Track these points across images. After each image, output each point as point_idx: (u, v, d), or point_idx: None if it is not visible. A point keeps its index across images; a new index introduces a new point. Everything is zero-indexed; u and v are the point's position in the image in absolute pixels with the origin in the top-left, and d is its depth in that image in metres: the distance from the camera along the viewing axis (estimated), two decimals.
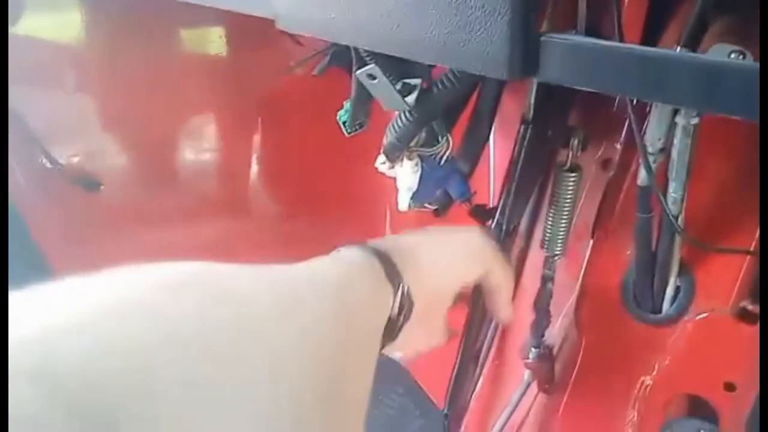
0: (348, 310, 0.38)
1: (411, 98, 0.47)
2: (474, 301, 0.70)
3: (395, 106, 0.48)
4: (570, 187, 0.64)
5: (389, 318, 0.42)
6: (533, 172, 0.64)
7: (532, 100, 0.58)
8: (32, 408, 0.22)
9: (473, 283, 0.50)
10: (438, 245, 0.48)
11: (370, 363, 0.40)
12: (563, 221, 0.66)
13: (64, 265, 0.90)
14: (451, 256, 0.48)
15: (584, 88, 0.27)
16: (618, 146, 0.66)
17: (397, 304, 0.42)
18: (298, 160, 1.05)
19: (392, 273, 0.42)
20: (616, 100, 0.64)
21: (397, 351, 0.46)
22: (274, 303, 0.33)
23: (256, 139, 1.03)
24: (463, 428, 0.88)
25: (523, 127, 0.59)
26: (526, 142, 0.59)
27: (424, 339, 0.48)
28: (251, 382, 0.29)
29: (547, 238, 0.68)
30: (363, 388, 0.38)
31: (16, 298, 0.26)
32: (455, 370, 0.69)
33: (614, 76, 0.25)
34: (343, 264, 0.41)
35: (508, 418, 0.81)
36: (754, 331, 0.57)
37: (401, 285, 0.42)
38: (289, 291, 0.35)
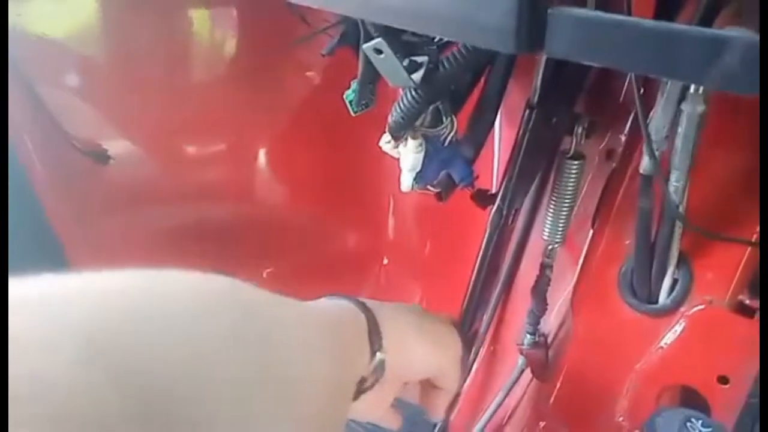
0: (343, 352, 0.41)
1: (417, 75, 0.47)
2: (472, 287, 0.70)
3: (401, 82, 0.48)
4: (573, 175, 0.64)
5: (362, 377, 0.44)
6: (536, 158, 0.64)
7: (538, 85, 0.58)
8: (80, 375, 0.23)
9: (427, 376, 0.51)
10: (421, 333, 0.49)
11: (346, 409, 0.42)
12: (564, 209, 0.67)
13: (72, 238, 0.91)
14: (429, 348, 0.49)
15: (591, 63, 0.27)
16: (622, 137, 0.65)
17: (372, 366, 0.44)
18: (301, 142, 1.05)
19: (375, 338, 0.44)
20: (623, 90, 0.64)
21: (351, 413, 0.47)
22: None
23: (263, 118, 1.03)
24: (455, 412, 0.88)
25: (527, 111, 0.59)
26: (530, 127, 0.59)
27: (372, 410, 0.49)
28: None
29: (547, 226, 0.68)
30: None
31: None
32: None
33: (621, 51, 0.25)
34: (335, 309, 0.44)
35: (501, 403, 0.81)
36: (750, 324, 0.57)
37: (378, 353, 0.44)
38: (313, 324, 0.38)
